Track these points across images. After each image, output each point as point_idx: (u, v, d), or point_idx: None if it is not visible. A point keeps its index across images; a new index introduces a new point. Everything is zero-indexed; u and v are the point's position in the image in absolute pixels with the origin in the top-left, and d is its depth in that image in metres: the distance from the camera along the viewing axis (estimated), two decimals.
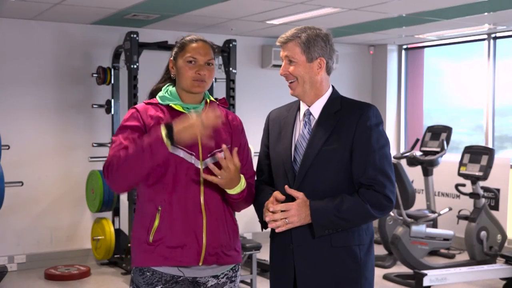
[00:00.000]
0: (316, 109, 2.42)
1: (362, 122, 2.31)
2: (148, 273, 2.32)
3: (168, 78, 2.47)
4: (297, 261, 2.35)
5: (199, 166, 2.32)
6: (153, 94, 2.47)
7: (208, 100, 2.44)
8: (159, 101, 2.39)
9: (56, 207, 6.21)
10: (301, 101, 2.47)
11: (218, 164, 2.29)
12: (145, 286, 2.32)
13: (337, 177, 2.33)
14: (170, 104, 2.36)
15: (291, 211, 2.27)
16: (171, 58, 2.43)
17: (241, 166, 2.40)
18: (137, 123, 2.31)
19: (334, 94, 2.45)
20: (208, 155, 2.34)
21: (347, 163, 2.32)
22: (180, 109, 2.36)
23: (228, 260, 2.37)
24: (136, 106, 2.40)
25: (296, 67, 2.39)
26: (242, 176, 2.34)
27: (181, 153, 2.30)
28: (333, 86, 2.48)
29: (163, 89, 2.43)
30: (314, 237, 2.29)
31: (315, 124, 2.39)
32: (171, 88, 2.42)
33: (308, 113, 2.42)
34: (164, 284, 2.31)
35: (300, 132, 2.41)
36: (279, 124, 2.50)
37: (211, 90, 6.58)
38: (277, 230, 2.29)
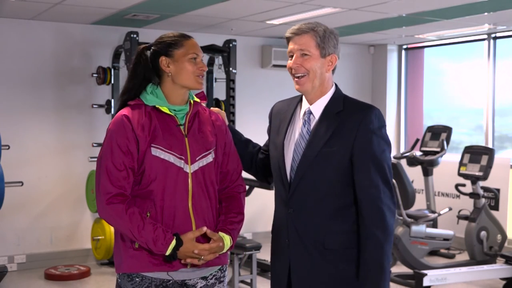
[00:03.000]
0: (318, 108, 2.37)
1: (364, 126, 2.27)
2: (137, 279, 2.30)
3: (144, 79, 2.36)
4: (291, 257, 2.35)
5: (188, 171, 2.29)
6: (128, 95, 2.37)
7: (192, 101, 2.40)
8: (145, 102, 2.33)
9: (56, 207, 6.21)
10: (304, 98, 2.43)
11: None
12: None
13: (335, 178, 2.30)
14: (156, 106, 2.33)
15: None
16: (163, 57, 2.34)
17: (225, 163, 2.42)
18: (126, 141, 2.25)
19: (337, 94, 2.40)
20: (197, 159, 2.32)
21: (346, 166, 2.28)
22: (167, 111, 2.33)
23: (216, 262, 2.36)
24: (124, 112, 2.31)
25: (310, 61, 2.33)
26: (224, 237, 2.31)
27: (171, 158, 2.28)
28: (336, 85, 2.43)
29: (148, 89, 2.35)
30: None
31: (316, 124, 2.35)
32: (157, 89, 2.36)
33: (309, 112, 2.38)
34: None
35: (300, 131, 2.37)
36: (279, 119, 2.48)
37: (211, 90, 6.58)
38: None
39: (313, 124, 2.36)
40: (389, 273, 2.31)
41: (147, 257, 2.27)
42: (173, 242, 2.22)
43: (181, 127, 2.34)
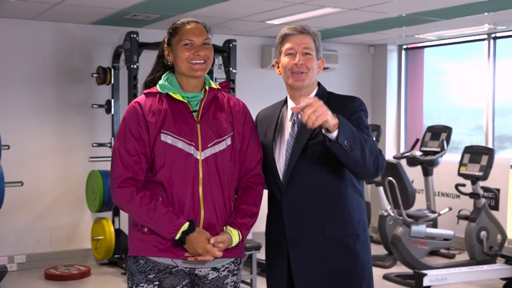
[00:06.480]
0: None
1: (348, 110, 2.33)
2: (141, 261, 2.30)
3: (163, 67, 2.42)
4: (291, 256, 2.36)
5: (198, 157, 2.28)
6: (147, 85, 2.44)
7: (207, 88, 2.38)
8: (159, 89, 2.35)
9: (56, 207, 6.21)
10: (289, 99, 2.47)
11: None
12: (138, 274, 2.30)
13: (325, 169, 2.34)
14: (169, 93, 2.33)
15: (315, 103, 2.07)
16: (165, 45, 2.39)
17: (243, 152, 2.38)
18: (138, 128, 2.28)
19: (321, 91, 2.46)
20: (208, 146, 2.29)
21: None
22: (180, 98, 2.32)
23: (227, 255, 2.32)
24: (137, 99, 2.36)
25: (312, 60, 2.39)
26: (232, 232, 2.29)
27: (180, 144, 2.27)
28: (319, 84, 2.49)
29: (163, 77, 2.39)
30: (338, 141, 2.10)
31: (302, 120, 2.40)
32: (171, 76, 2.38)
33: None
34: (157, 273, 2.29)
35: (290, 131, 2.41)
36: (265, 124, 2.51)
37: None
38: (311, 126, 2.10)
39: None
40: (356, 147, 2.19)
41: (153, 241, 2.27)
42: (186, 225, 2.21)
43: (194, 114, 2.32)
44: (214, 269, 2.34)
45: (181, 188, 2.26)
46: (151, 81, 2.44)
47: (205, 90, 2.37)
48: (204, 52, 2.32)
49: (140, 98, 2.37)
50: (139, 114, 2.29)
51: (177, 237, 2.21)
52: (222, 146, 2.32)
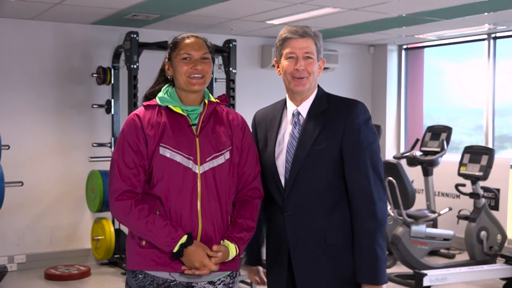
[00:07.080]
0: (305, 108, 2.40)
1: (350, 121, 2.31)
2: (140, 276, 2.29)
3: (164, 80, 2.42)
4: (293, 261, 2.34)
5: (197, 171, 2.27)
6: (147, 97, 2.42)
7: (206, 101, 2.37)
8: (158, 102, 2.34)
9: (56, 207, 6.21)
10: (289, 101, 2.44)
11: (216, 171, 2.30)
12: None
13: (329, 174, 2.32)
14: (169, 106, 2.32)
15: None
16: (166, 60, 2.39)
17: (242, 165, 2.37)
18: (136, 140, 2.27)
19: (320, 92, 2.44)
20: (207, 160, 2.29)
21: (338, 162, 2.31)
22: (179, 111, 2.31)
23: (223, 268, 2.32)
24: (137, 112, 2.34)
25: (313, 64, 2.36)
26: (229, 246, 2.29)
27: (178, 158, 2.26)
28: (318, 85, 2.46)
29: (162, 89, 2.38)
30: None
31: (304, 124, 2.37)
32: (171, 89, 2.37)
33: (297, 113, 2.40)
34: (156, 287, 2.29)
35: (290, 132, 2.39)
36: (265, 127, 2.48)
37: (210, 91, 6.58)
38: None
39: (302, 124, 2.39)
40: (385, 260, 2.32)
41: (151, 255, 2.26)
42: (184, 238, 2.21)
43: (193, 127, 2.31)
44: (210, 283, 2.34)
45: (178, 201, 2.25)
46: (151, 94, 2.42)
47: (204, 103, 2.36)
48: (202, 66, 2.30)
49: (139, 110, 2.35)
50: (137, 126, 2.28)
51: (175, 250, 2.22)
52: (220, 160, 2.31)
